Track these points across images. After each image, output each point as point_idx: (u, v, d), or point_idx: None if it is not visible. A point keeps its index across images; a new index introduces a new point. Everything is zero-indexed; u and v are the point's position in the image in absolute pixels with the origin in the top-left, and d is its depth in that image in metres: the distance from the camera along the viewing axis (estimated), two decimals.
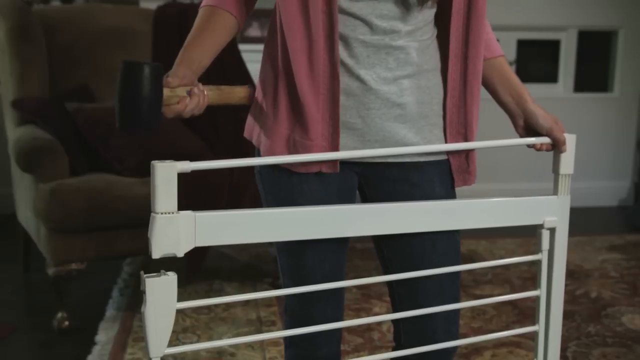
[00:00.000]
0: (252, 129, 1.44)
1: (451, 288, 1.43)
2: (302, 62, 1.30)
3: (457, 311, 1.44)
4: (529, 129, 1.42)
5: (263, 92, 1.40)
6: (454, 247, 1.42)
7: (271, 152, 1.35)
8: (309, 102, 1.30)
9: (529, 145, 1.39)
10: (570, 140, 1.37)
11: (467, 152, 1.41)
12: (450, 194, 1.42)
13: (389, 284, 1.46)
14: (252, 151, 1.46)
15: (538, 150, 1.39)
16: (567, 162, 1.37)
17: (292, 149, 1.33)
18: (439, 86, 1.39)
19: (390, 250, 1.43)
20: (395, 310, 1.47)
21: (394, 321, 1.49)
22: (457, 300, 1.43)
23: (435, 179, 1.40)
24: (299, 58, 1.30)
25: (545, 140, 1.37)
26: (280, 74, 1.35)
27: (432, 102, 1.38)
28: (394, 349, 1.51)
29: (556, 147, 1.38)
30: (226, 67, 3.44)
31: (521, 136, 1.43)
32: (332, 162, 1.34)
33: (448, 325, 1.43)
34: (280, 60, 1.35)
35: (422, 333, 1.42)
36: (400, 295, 1.45)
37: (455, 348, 1.47)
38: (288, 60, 1.32)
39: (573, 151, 1.37)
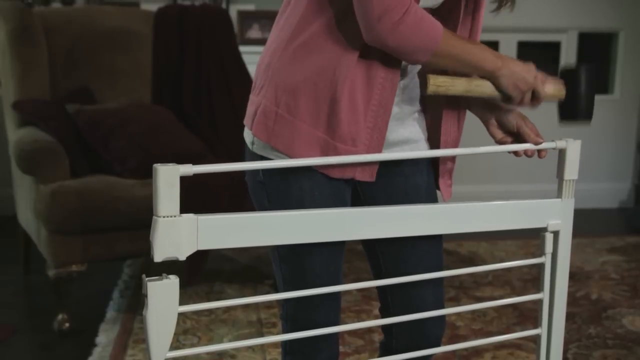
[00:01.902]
0: (271, 132, 1.33)
1: (436, 263, 1.48)
2: (359, 75, 1.30)
3: (443, 295, 1.51)
4: (501, 127, 1.45)
5: (293, 94, 1.31)
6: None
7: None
8: (356, 111, 1.30)
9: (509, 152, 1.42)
10: (575, 146, 1.37)
11: (454, 159, 1.50)
12: (433, 184, 1.49)
13: (376, 269, 1.51)
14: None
15: (518, 156, 1.42)
16: (572, 167, 1.37)
17: (331, 156, 1.31)
18: (417, 83, 1.43)
19: (382, 244, 1.46)
20: (380, 294, 1.53)
21: (383, 311, 1.54)
22: (442, 284, 1.51)
23: (423, 169, 1.46)
24: (356, 72, 1.30)
25: (526, 146, 1.39)
26: (324, 78, 1.30)
27: (416, 98, 1.43)
28: (382, 343, 1.56)
29: (528, 140, 1.40)
30: (227, 69, 3.44)
31: (493, 135, 1.46)
32: (369, 170, 1.35)
33: (437, 302, 1.49)
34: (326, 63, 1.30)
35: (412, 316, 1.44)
36: (387, 270, 1.49)
37: (443, 331, 1.52)
38: (333, 65, 1.29)
39: (578, 157, 1.37)
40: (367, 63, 1.30)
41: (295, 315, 1.42)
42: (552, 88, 1.39)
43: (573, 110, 1.41)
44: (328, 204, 1.33)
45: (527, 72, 1.34)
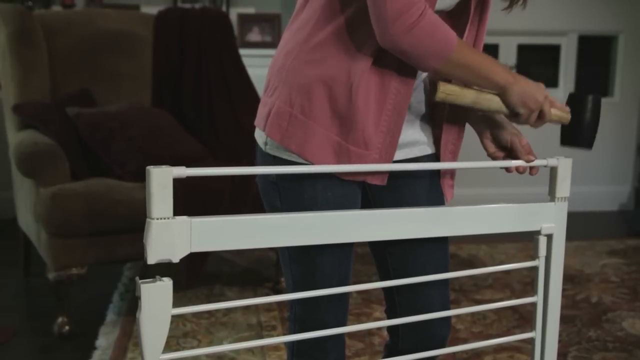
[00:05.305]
0: (285, 133, 1.33)
1: (444, 264, 1.49)
2: (373, 79, 1.30)
3: (448, 300, 1.51)
4: (494, 141, 1.46)
5: (308, 96, 1.31)
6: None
7: (319, 161, 1.32)
8: (370, 114, 1.30)
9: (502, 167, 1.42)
10: (566, 164, 1.37)
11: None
12: (438, 184, 1.50)
13: (384, 271, 1.52)
14: (253, 154, 1.44)
15: (509, 172, 1.43)
16: (563, 185, 1.37)
17: (344, 158, 1.32)
18: (424, 86, 1.44)
19: (390, 246, 1.46)
20: (386, 294, 1.54)
21: (389, 312, 1.54)
22: (448, 286, 1.51)
23: (429, 170, 1.47)
24: (370, 77, 1.30)
25: (518, 163, 1.40)
26: (340, 80, 1.30)
27: (423, 100, 1.43)
28: (387, 345, 1.56)
29: (520, 157, 1.41)
30: (227, 72, 3.45)
31: (486, 148, 1.47)
32: (380, 174, 1.36)
33: (444, 303, 1.50)
34: (341, 66, 1.31)
35: (420, 325, 1.46)
36: (399, 298, 1.51)
37: (449, 331, 1.53)
38: (348, 68, 1.30)
39: (569, 175, 1.37)
40: (382, 67, 1.30)
41: (304, 316, 1.42)
42: (558, 112, 1.40)
43: (575, 137, 1.44)
44: (340, 205, 1.34)
45: (538, 92, 1.34)
